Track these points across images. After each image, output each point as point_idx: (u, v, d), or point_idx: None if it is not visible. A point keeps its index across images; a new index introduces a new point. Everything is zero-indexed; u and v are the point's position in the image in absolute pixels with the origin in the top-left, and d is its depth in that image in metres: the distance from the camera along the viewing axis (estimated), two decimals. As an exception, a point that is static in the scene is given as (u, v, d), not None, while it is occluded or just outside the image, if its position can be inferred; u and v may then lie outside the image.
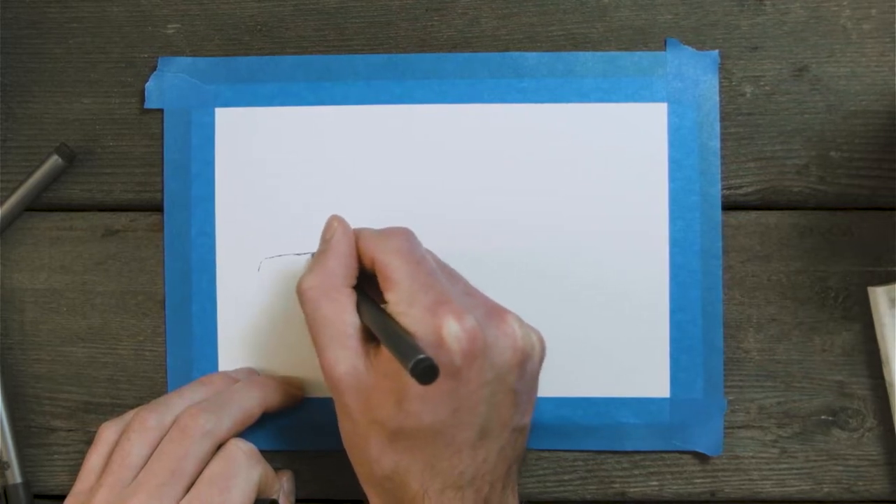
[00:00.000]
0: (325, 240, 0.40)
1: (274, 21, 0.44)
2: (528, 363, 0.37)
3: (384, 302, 0.37)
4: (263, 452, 0.41)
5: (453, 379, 0.35)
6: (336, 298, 0.38)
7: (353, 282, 0.39)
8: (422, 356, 0.32)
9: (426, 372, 0.32)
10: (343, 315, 0.38)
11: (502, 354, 0.36)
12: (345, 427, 0.38)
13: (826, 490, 0.44)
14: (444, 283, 0.37)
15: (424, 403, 0.35)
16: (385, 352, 0.36)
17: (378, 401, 0.36)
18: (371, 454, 0.37)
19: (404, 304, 0.36)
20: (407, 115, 0.44)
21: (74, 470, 0.43)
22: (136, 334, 0.44)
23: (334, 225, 0.40)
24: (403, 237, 0.39)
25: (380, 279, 0.38)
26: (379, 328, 0.36)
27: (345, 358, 0.37)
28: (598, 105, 0.43)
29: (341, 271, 0.39)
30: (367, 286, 0.39)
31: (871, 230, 0.43)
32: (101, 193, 0.45)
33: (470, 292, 0.39)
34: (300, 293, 0.38)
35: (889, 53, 0.43)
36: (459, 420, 0.36)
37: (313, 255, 0.44)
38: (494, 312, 0.37)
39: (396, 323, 0.36)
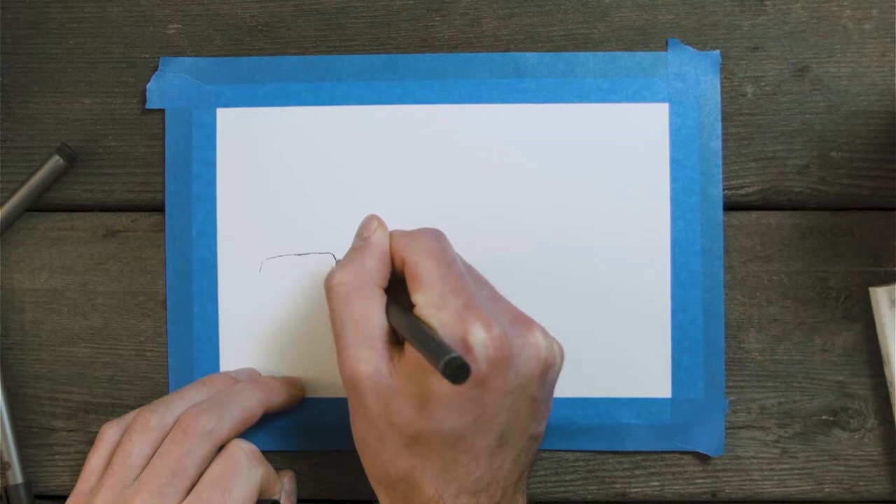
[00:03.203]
0: (363, 238, 0.39)
1: (275, 21, 0.44)
2: (549, 373, 0.37)
3: (411, 305, 0.37)
4: (265, 453, 0.41)
5: (477, 386, 0.35)
6: (367, 297, 0.37)
7: (386, 283, 0.38)
8: (453, 355, 0.31)
9: (458, 371, 0.31)
10: (372, 315, 0.37)
11: (527, 364, 0.36)
12: (359, 427, 0.38)
13: (827, 490, 0.44)
14: (472, 287, 0.37)
15: (448, 409, 0.35)
16: (409, 355, 0.36)
17: (399, 405, 0.36)
18: (386, 456, 0.37)
19: (433, 306, 0.36)
20: (408, 115, 0.44)
21: (75, 470, 0.43)
22: (137, 334, 0.44)
23: (374, 224, 0.39)
24: (435, 238, 0.38)
25: (408, 280, 0.37)
26: (407, 328, 0.35)
27: (368, 359, 0.36)
28: (599, 105, 0.43)
29: (376, 271, 0.38)
30: (394, 289, 0.38)
31: (871, 230, 0.43)
32: (103, 194, 0.45)
33: (496, 298, 0.38)
34: (329, 287, 0.38)
35: (890, 54, 0.43)
36: (480, 427, 0.36)
37: (314, 254, 0.44)
38: (520, 321, 0.37)
39: (426, 324, 0.35)
